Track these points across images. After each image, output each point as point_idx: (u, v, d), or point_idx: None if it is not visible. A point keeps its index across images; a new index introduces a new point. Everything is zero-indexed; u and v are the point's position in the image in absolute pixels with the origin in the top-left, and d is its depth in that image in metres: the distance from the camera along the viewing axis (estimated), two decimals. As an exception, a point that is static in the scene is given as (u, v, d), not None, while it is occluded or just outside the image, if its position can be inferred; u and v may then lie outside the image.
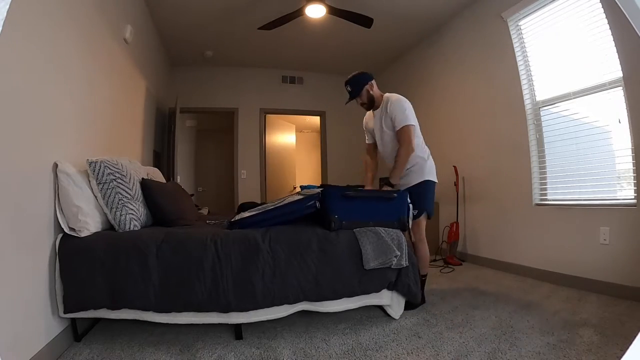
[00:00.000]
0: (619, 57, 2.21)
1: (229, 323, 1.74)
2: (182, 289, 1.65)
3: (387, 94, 2.33)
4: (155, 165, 3.62)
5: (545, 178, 2.85)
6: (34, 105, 1.47)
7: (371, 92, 2.30)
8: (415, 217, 2.18)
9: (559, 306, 2.10)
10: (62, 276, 1.59)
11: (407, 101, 2.25)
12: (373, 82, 2.31)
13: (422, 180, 2.26)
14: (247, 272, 1.70)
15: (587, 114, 2.55)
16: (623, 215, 2.24)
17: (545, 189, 2.85)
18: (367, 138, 2.55)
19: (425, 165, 2.28)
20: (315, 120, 5.85)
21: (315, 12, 3.17)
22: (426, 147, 2.36)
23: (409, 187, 2.25)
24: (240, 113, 5.21)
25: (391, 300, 1.97)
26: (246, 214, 2.04)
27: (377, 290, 1.90)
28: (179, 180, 4.06)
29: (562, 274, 2.57)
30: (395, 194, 2.05)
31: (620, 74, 2.23)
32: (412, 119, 2.20)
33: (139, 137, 3.34)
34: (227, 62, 5.00)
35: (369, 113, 2.47)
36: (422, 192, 2.23)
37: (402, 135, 2.19)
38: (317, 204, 1.97)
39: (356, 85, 2.27)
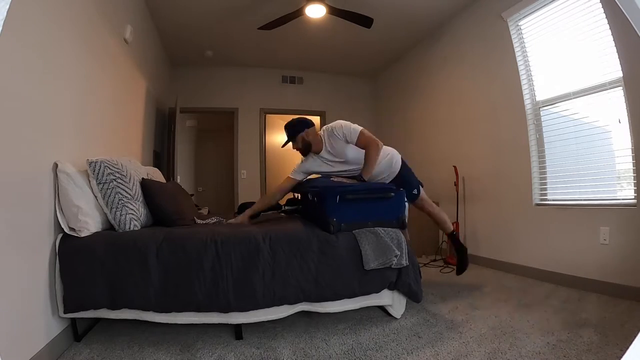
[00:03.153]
0: (619, 57, 2.21)
1: (229, 323, 1.73)
2: (182, 288, 1.65)
3: (324, 127, 2.37)
4: (155, 165, 3.62)
5: (545, 178, 2.85)
6: (34, 106, 1.47)
7: (307, 139, 2.33)
8: (416, 197, 2.47)
9: (559, 306, 2.10)
10: (62, 276, 1.59)
11: (346, 122, 2.31)
12: (310, 130, 2.34)
13: (397, 168, 2.40)
14: (247, 272, 1.70)
15: (587, 114, 2.55)
16: (623, 215, 2.24)
17: (545, 189, 2.85)
18: (296, 175, 2.43)
19: (392, 160, 2.41)
20: (315, 120, 5.84)
21: (315, 12, 3.17)
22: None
23: (390, 181, 2.38)
24: (240, 113, 5.21)
25: (392, 300, 1.97)
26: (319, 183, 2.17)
27: (378, 291, 1.90)
28: (179, 180, 4.06)
29: (562, 274, 2.58)
30: (392, 193, 2.06)
31: (620, 74, 2.23)
32: (358, 126, 2.26)
33: (139, 137, 3.34)
34: (227, 62, 5.00)
35: (312, 159, 2.41)
36: (405, 175, 2.41)
37: (363, 140, 2.22)
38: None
39: (292, 131, 2.35)
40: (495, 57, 3.23)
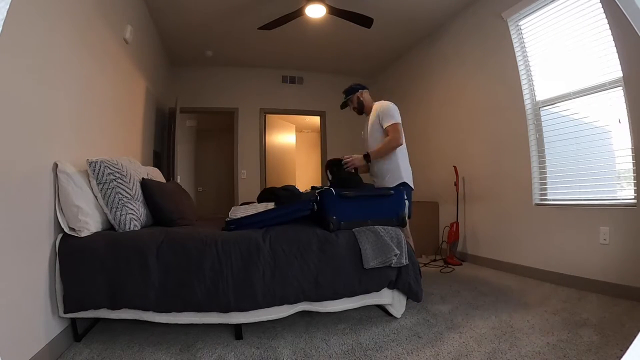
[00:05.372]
0: (619, 57, 2.22)
1: (229, 323, 1.74)
2: (182, 288, 1.65)
3: (377, 102, 2.58)
4: (155, 165, 3.62)
5: (545, 178, 2.85)
6: (34, 106, 1.47)
7: (361, 98, 2.65)
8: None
9: (559, 306, 2.10)
10: (62, 276, 1.59)
11: (396, 107, 2.48)
12: (364, 91, 2.67)
13: (399, 182, 2.38)
14: (247, 272, 1.70)
15: (587, 114, 2.55)
16: (623, 215, 2.24)
17: (545, 189, 2.85)
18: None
19: (400, 169, 2.42)
20: (315, 120, 5.85)
21: (315, 12, 3.17)
22: (407, 152, 2.52)
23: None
24: (240, 113, 5.21)
25: (392, 299, 1.97)
26: (240, 213, 2.03)
27: (378, 290, 1.90)
28: (179, 180, 4.06)
29: (562, 274, 2.58)
30: (392, 191, 2.07)
31: (620, 74, 2.23)
32: (399, 119, 2.42)
33: (139, 137, 3.34)
34: (227, 62, 5.00)
35: (365, 118, 2.69)
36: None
37: (391, 130, 2.37)
38: (315, 206, 1.99)
39: (349, 91, 2.67)
40: (496, 57, 3.23)
